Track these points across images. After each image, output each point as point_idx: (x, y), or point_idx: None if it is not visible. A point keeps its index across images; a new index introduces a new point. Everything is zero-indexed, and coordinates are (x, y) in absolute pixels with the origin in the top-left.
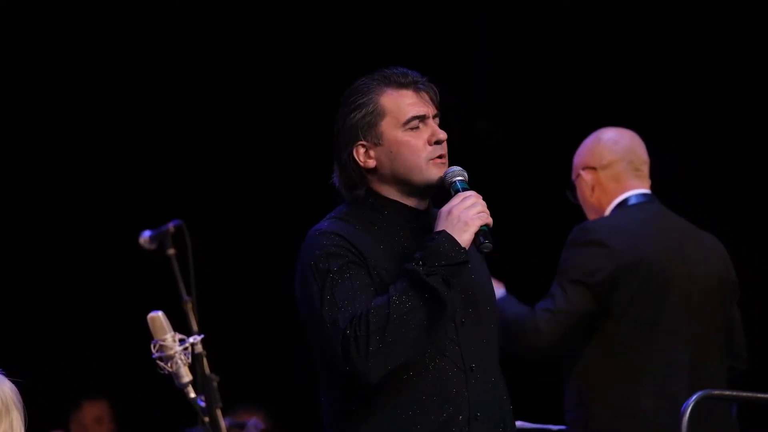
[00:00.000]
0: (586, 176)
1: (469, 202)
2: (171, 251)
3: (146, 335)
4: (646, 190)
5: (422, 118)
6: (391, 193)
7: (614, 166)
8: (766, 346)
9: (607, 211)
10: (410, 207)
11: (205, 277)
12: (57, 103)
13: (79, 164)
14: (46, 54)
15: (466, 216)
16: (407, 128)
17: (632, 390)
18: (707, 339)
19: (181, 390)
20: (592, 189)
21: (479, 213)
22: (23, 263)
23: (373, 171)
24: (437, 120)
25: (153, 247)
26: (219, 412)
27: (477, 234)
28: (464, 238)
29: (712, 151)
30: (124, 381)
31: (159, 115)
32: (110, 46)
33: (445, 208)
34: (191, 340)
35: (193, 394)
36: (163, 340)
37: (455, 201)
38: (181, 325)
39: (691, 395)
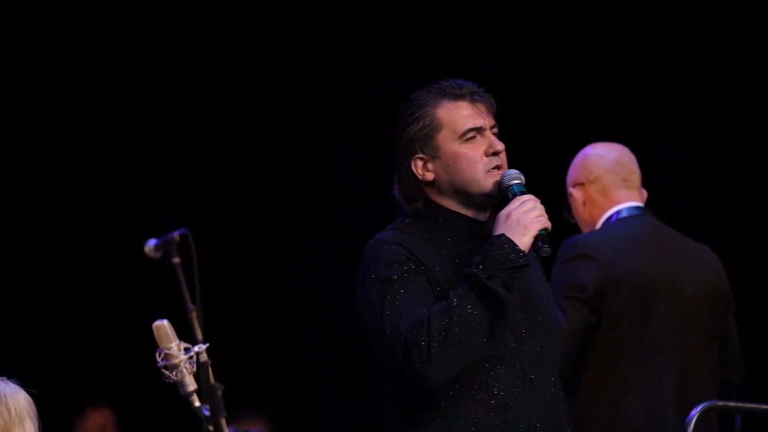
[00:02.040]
0: (577, 193)
1: (528, 206)
2: (176, 260)
3: (151, 344)
4: (638, 203)
5: (479, 130)
6: (450, 204)
7: (602, 179)
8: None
9: (599, 225)
10: (470, 218)
11: (211, 286)
12: (63, 109)
13: (85, 173)
14: (50, 59)
15: (526, 219)
16: (464, 140)
17: (622, 402)
18: (697, 351)
19: (185, 399)
20: (584, 204)
21: (538, 217)
22: (28, 271)
23: (432, 184)
24: (494, 131)
25: (158, 255)
26: (223, 421)
27: (536, 238)
28: (524, 242)
29: (712, 151)
30: (129, 389)
31: (165, 125)
32: (119, 53)
33: (503, 212)
34: (196, 348)
35: (197, 403)
36: (168, 349)
37: (514, 204)
38: (186, 334)
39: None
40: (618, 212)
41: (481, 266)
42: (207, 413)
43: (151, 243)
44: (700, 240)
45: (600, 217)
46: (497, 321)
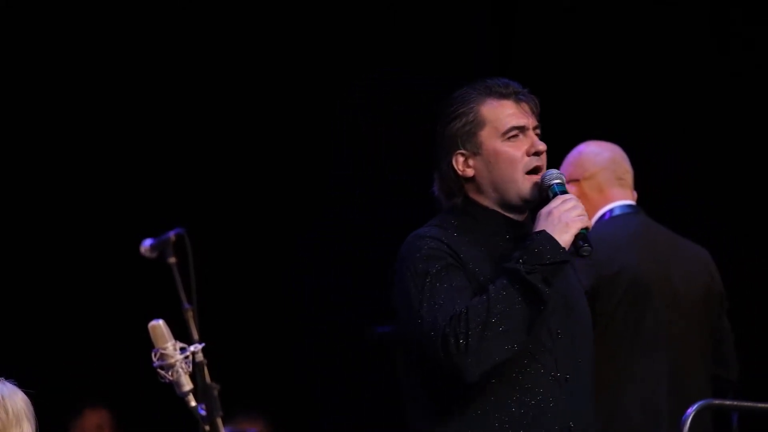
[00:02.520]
0: (571, 190)
1: (569, 205)
2: (172, 260)
3: (147, 344)
4: (631, 201)
5: (522, 129)
6: (488, 203)
7: (597, 176)
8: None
9: (592, 222)
10: (508, 217)
11: (206, 286)
12: (59, 109)
13: (81, 172)
14: (49, 59)
15: (567, 217)
16: (506, 138)
17: (617, 400)
18: (690, 349)
19: (181, 398)
20: None
21: (579, 215)
22: (24, 271)
23: (471, 180)
24: (537, 132)
25: (154, 255)
26: (220, 421)
27: (576, 237)
28: (564, 239)
29: (712, 151)
30: (125, 389)
31: (161, 124)
32: (116, 53)
33: (544, 210)
34: (192, 348)
35: (193, 403)
36: (164, 349)
37: (555, 203)
38: (182, 334)
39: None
40: (611, 210)
41: (521, 261)
42: (203, 413)
43: (147, 243)
44: (699, 240)
45: (593, 214)
46: (535, 317)
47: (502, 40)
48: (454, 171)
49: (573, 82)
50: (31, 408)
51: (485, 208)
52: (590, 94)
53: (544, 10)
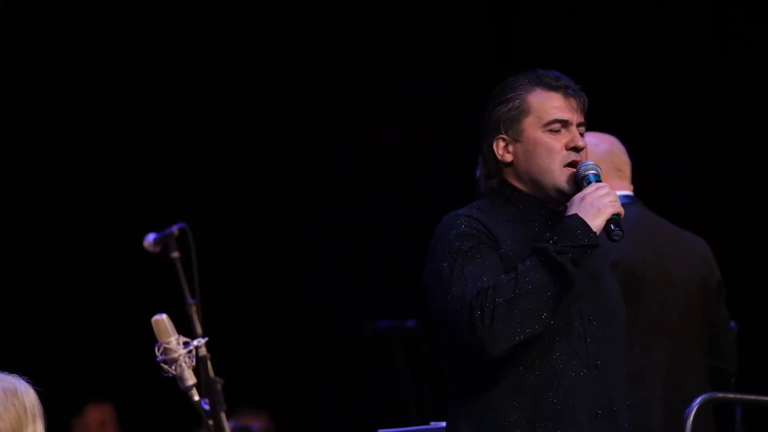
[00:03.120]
0: None
1: (602, 191)
2: (175, 254)
3: (150, 338)
4: (629, 192)
5: (565, 123)
6: (525, 188)
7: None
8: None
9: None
10: (544, 203)
11: (210, 280)
12: (61, 105)
13: (84, 167)
14: (50, 56)
15: (600, 203)
16: (547, 129)
17: None
18: (686, 340)
19: (185, 393)
20: None
21: (612, 201)
22: (26, 266)
23: (509, 165)
24: (581, 129)
25: (157, 250)
26: (223, 415)
27: (608, 222)
28: (596, 223)
29: (712, 151)
30: (128, 384)
31: (164, 118)
32: (118, 50)
33: (578, 195)
34: (195, 342)
35: (197, 397)
36: (168, 343)
37: (589, 189)
38: (185, 328)
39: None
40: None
41: (551, 241)
42: (206, 407)
43: (150, 237)
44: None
45: None
46: (563, 297)
47: (502, 40)
48: (494, 154)
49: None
50: (40, 406)
51: (521, 192)
52: (590, 95)
53: (544, 10)
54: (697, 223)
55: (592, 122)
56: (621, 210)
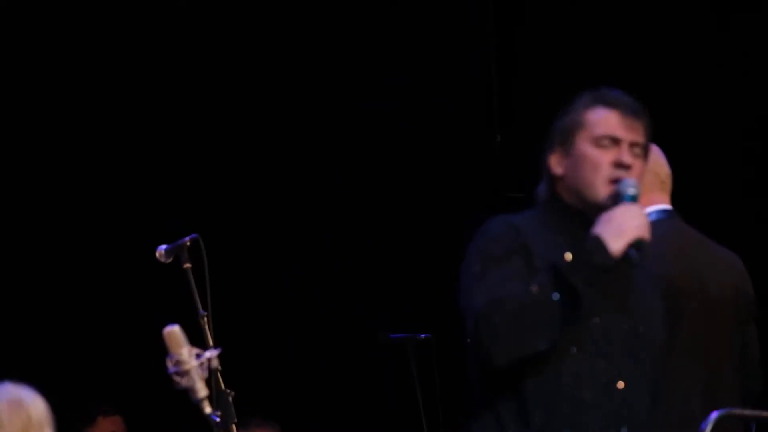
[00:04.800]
0: None
1: (631, 213)
2: (187, 265)
3: (162, 349)
4: (667, 206)
5: (616, 140)
6: (571, 201)
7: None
8: None
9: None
10: (588, 217)
11: (221, 292)
12: (72, 112)
13: (97, 179)
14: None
15: (625, 225)
16: (597, 144)
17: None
18: (722, 356)
19: (196, 405)
20: None
21: (638, 225)
22: (39, 277)
23: (560, 179)
24: (635, 150)
25: (169, 260)
26: (234, 427)
27: (629, 245)
28: (616, 245)
29: (713, 151)
30: (140, 396)
31: (177, 130)
32: (131, 60)
33: (606, 215)
34: (207, 354)
35: (208, 409)
36: (180, 355)
37: (620, 209)
38: (197, 340)
39: (707, 412)
40: (647, 215)
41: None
42: (218, 419)
43: (162, 248)
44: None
45: None
46: (571, 314)
47: (502, 40)
48: (548, 167)
49: (573, 82)
50: (50, 416)
51: (567, 206)
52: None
53: (543, 10)
54: (697, 222)
55: None
56: (646, 235)
